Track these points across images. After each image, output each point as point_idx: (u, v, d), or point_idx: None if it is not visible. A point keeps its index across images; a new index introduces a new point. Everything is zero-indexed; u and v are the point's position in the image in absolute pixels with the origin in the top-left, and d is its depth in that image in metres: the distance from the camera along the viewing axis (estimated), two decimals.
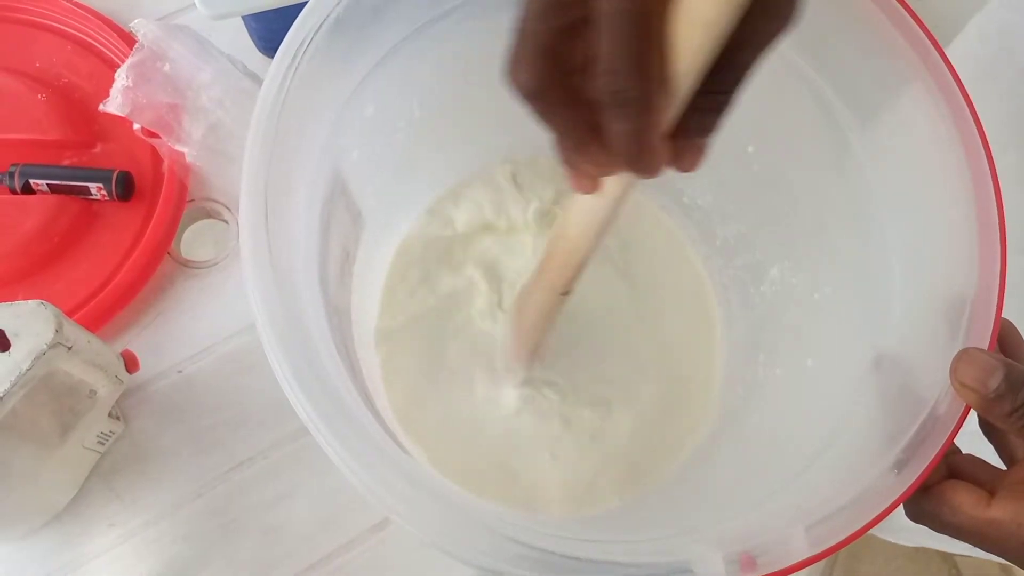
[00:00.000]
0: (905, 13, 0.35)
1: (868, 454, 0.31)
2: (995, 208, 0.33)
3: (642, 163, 0.25)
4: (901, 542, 0.65)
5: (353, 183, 0.41)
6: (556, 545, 0.28)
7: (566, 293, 0.38)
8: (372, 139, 0.42)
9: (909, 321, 0.36)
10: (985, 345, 0.32)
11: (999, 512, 0.29)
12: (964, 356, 0.31)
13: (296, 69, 0.32)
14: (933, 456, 0.30)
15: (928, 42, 0.35)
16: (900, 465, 0.30)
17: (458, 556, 0.28)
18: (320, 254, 0.37)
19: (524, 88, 0.25)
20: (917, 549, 1.13)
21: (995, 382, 0.29)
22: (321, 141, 0.36)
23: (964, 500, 0.30)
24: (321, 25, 0.33)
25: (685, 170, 0.28)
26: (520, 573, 0.28)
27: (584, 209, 0.33)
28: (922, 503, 0.31)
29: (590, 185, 0.29)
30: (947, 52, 0.35)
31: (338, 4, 0.33)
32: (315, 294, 0.35)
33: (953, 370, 0.31)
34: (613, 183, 0.30)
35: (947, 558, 1.10)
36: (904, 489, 0.29)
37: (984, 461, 0.32)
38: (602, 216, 0.32)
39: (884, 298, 0.38)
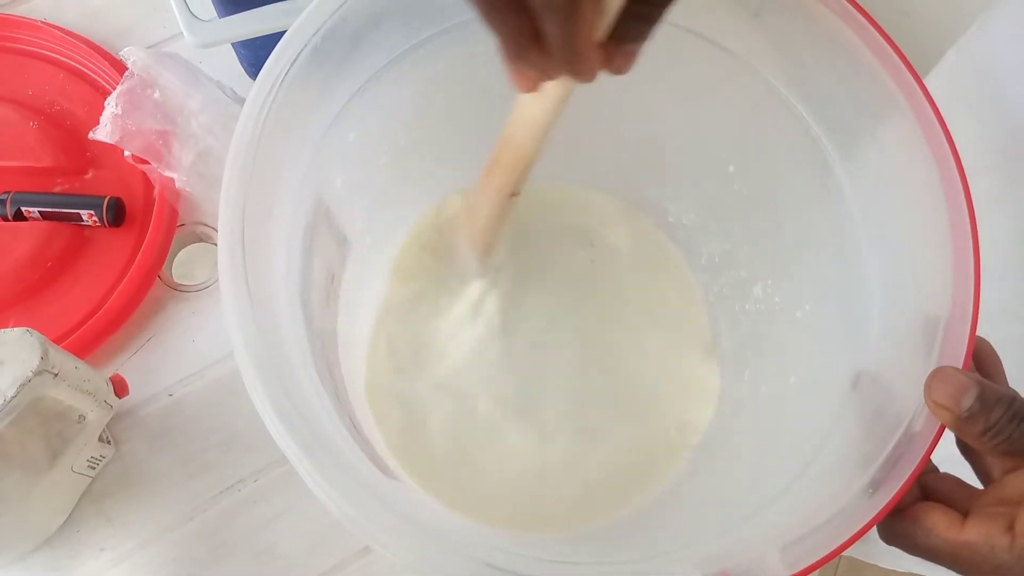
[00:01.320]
0: (885, 43, 0.36)
1: (844, 474, 0.31)
2: (969, 232, 0.34)
3: (576, 66, 0.28)
4: (894, 567, 0.65)
5: (337, 208, 0.42)
6: (533, 568, 0.28)
7: (515, 195, 0.40)
8: (356, 165, 0.43)
9: (887, 340, 0.36)
10: (960, 364, 0.32)
11: (972, 534, 0.29)
12: (937, 375, 0.31)
13: (275, 96, 0.33)
14: (907, 476, 0.30)
15: (907, 72, 0.36)
16: (875, 485, 0.30)
17: None
18: (302, 278, 0.37)
19: None
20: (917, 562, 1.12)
21: (968, 401, 0.29)
22: (302, 167, 0.36)
23: (937, 522, 0.30)
24: (300, 54, 0.33)
25: (616, 72, 0.30)
26: None
27: (528, 113, 0.35)
28: (895, 525, 0.31)
29: (530, 85, 0.31)
30: (926, 80, 0.36)
31: (316, 33, 0.34)
32: (297, 319, 0.36)
33: (927, 389, 0.31)
34: (553, 85, 0.32)
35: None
36: (879, 509, 0.29)
37: (961, 481, 0.32)
38: (545, 119, 0.34)
39: (863, 316, 0.38)
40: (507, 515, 0.45)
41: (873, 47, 0.36)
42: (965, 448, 0.32)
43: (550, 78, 0.30)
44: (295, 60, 0.33)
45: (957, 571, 0.30)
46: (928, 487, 0.32)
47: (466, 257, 0.48)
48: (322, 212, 0.40)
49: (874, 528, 0.33)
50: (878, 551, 0.58)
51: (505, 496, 0.46)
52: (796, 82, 0.41)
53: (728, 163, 0.47)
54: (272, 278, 0.34)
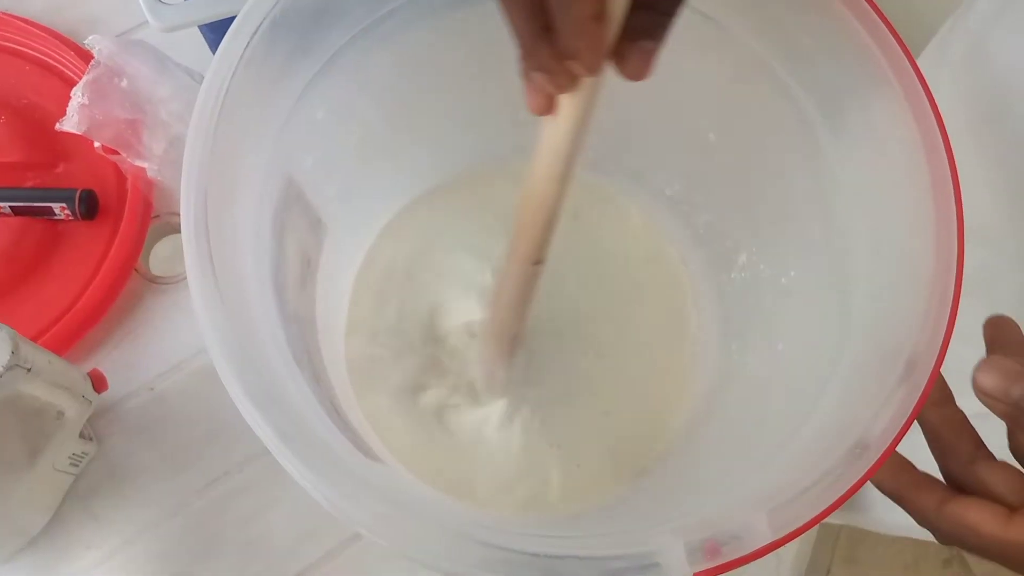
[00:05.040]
0: (877, 18, 0.35)
1: (832, 438, 0.31)
2: (953, 201, 0.33)
3: (579, 52, 0.26)
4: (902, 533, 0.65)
5: (309, 190, 0.41)
6: (517, 543, 0.28)
7: (539, 263, 0.36)
8: (326, 144, 0.42)
9: (873, 302, 0.36)
10: (945, 324, 0.31)
11: (1017, 533, 0.28)
12: (984, 365, 0.29)
13: (235, 73, 0.32)
14: (895, 436, 0.29)
15: (898, 48, 0.35)
16: (862, 446, 0.29)
17: (427, 563, 0.28)
18: (274, 262, 0.36)
19: None
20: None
21: (1019, 390, 0.28)
22: (268, 147, 0.35)
23: (982, 519, 0.29)
24: (259, 28, 0.32)
25: (633, 76, 0.28)
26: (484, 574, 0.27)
27: (545, 151, 0.32)
28: (942, 527, 0.30)
29: (545, 103, 0.30)
30: (918, 59, 0.35)
31: (275, 6, 0.33)
32: (269, 303, 0.35)
33: (975, 380, 0.29)
34: (568, 103, 0.30)
35: None
36: (866, 471, 0.29)
37: (1019, 473, 0.31)
38: (567, 147, 0.31)
39: (849, 280, 0.38)
40: (490, 497, 0.45)
41: (864, 21, 0.36)
42: (1015, 446, 0.31)
43: (560, 85, 0.28)
44: (254, 34, 0.32)
45: (1008, 567, 0.29)
46: (982, 481, 0.30)
47: (490, 362, 0.44)
48: (293, 194, 0.39)
49: (874, 494, 0.32)
50: (877, 519, 0.57)
51: (488, 477, 0.45)
52: (780, 48, 0.40)
53: (708, 131, 0.46)
54: (241, 262, 0.33)
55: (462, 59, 0.45)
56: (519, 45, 0.28)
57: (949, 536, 0.30)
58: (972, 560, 1.09)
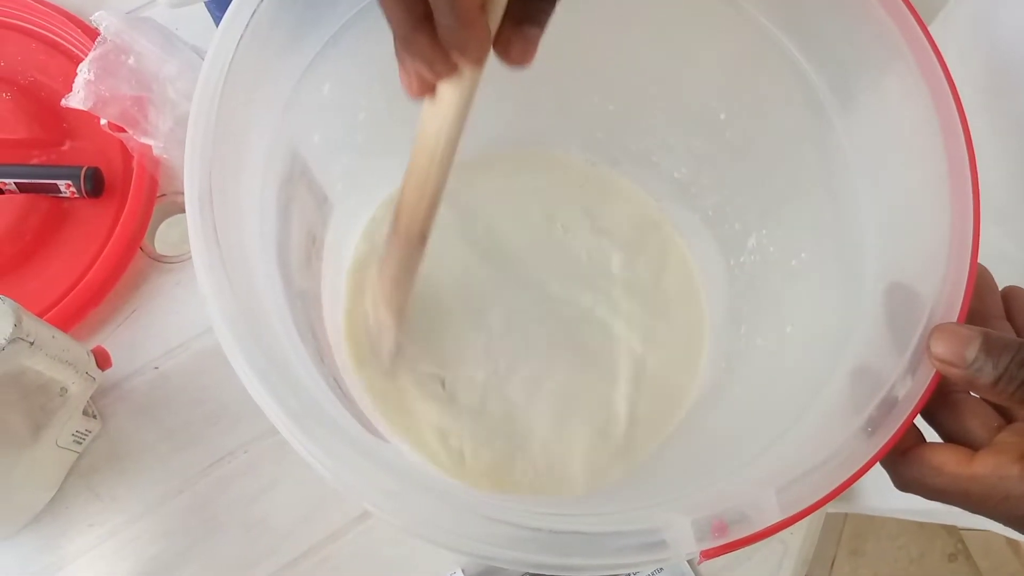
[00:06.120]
0: None
1: (841, 417, 0.30)
2: (970, 182, 0.32)
3: (465, 45, 0.26)
4: (907, 516, 0.64)
5: (315, 166, 0.41)
6: (522, 519, 0.27)
7: (422, 239, 0.36)
8: (332, 120, 0.42)
9: (884, 283, 0.35)
10: (959, 305, 0.30)
11: (981, 467, 0.28)
12: (936, 331, 0.29)
13: (239, 46, 0.31)
14: (906, 416, 0.29)
15: (914, 20, 0.34)
16: (873, 424, 0.29)
17: (433, 539, 0.27)
18: (279, 238, 0.36)
19: None
20: (922, 525, 1.12)
21: (972, 352, 0.28)
22: (273, 120, 0.35)
23: (946, 459, 0.29)
24: (262, 1, 0.32)
25: (515, 62, 0.28)
26: (493, 551, 0.27)
27: (427, 130, 0.32)
28: (903, 469, 0.30)
29: (422, 86, 0.29)
30: (931, 28, 0.35)
31: None
32: (274, 279, 0.35)
33: (928, 347, 0.29)
34: (447, 89, 0.29)
35: (952, 531, 1.09)
36: (876, 450, 0.28)
37: (990, 410, 0.30)
38: (444, 134, 0.31)
39: (860, 261, 0.37)
40: (493, 477, 0.44)
41: None
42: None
43: (437, 72, 0.28)
44: (259, 6, 0.32)
45: (968, 509, 0.28)
46: (948, 429, 0.31)
47: (380, 331, 0.44)
48: (299, 169, 0.39)
49: (878, 483, 0.32)
50: (876, 505, 0.57)
51: (492, 458, 0.45)
52: (789, 23, 0.39)
53: (719, 111, 0.46)
54: (246, 238, 0.33)
55: None
56: (394, 33, 0.27)
57: (910, 480, 0.30)
58: (977, 554, 1.09)
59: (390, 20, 0.27)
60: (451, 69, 0.28)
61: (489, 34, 0.26)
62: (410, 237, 0.36)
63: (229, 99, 0.31)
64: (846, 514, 0.99)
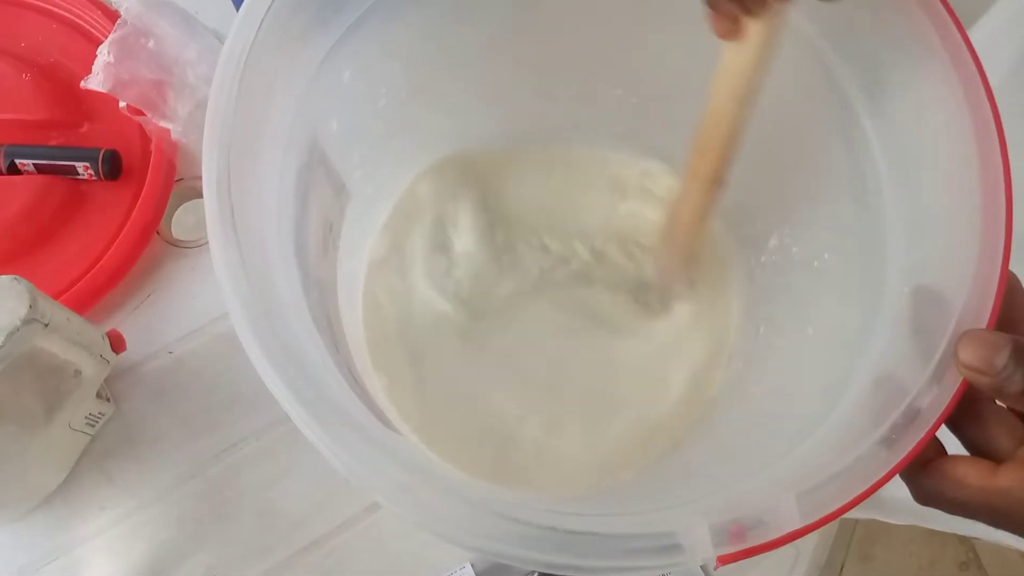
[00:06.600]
0: None
1: (863, 425, 0.30)
2: (1002, 189, 0.31)
3: None
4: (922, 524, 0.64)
5: (334, 154, 0.40)
6: (537, 517, 0.27)
7: (719, 183, 0.36)
8: (352, 108, 0.41)
9: (910, 286, 0.35)
10: (987, 312, 0.30)
11: (1005, 480, 0.27)
12: (964, 337, 0.28)
13: (260, 30, 0.31)
14: (932, 423, 0.28)
15: (949, 18, 0.33)
16: (896, 433, 0.28)
17: (445, 535, 0.27)
18: (296, 225, 0.35)
19: None
20: (934, 532, 1.11)
21: (1002, 360, 0.27)
22: (292, 106, 0.34)
23: (968, 472, 0.28)
24: None
25: None
26: (506, 549, 0.26)
27: (731, 69, 0.32)
28: (923, 481, 0.29)
29: (732, 28, 0.30)
30: (970, 30, 0.34)
31: None
32: (291, 267, 0.34)
33: (955, 354, 0.28)
34: (755, 27, 0.30)
35: (964, 540, 1.08)
36: (900, 458, 0.27)
37: (1016, 420, 0.30)
38: (751, 72, 0.32)
39: (885, 264, 0.36)
40: (512, 472, 0.44)
41: None
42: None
43: (750, 10, 0.29)
44: None
45: (991, 524, 0.28)
46: (972, 439, 0.30)
47: (668, 274, 0.44)
48: (317, 156, 0.38)
49: (894, 490, 0.31)
50: (893, 510, 0.56)
51: (510, 453, 0.44)
52: (817, 15, 0.38)
53: None
54: (264, 224, 0.32)
55: (491, 30, 0.44)
56: None
57: (931, 493, 0.29)
58: (989, 564, 1.08)
59: None
60: (761, 5, 0.29)
61: None
62: (706, 179, 0.36)
63: (248, 84, 0.31)
64: (857, 519, 0.98)
